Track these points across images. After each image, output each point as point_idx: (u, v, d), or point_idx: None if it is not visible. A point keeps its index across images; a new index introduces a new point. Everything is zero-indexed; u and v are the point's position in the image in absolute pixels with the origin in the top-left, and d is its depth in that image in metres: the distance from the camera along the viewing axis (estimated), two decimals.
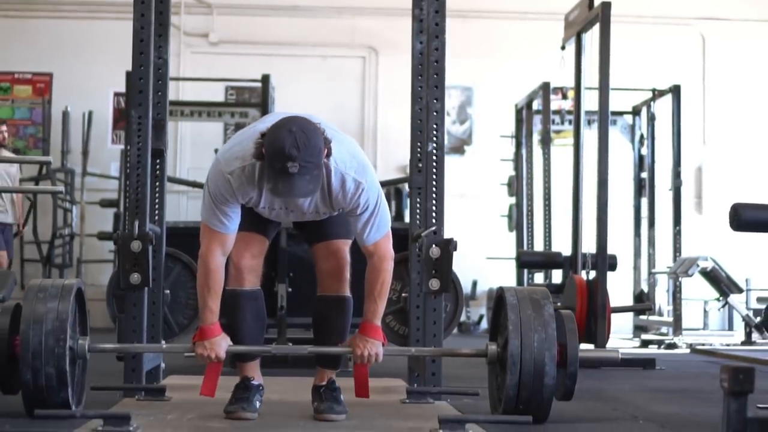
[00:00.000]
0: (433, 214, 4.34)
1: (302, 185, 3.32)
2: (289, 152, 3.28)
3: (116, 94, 11.16)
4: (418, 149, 4.45)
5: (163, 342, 4.82)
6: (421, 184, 4.41)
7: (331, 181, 3.52)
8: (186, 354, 6.66)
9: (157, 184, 4.60)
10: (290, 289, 6.02)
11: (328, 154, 3.44)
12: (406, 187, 9.48)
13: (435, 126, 4.37)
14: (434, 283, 4.17)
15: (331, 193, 3.55)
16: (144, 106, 4.36)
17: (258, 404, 3.67)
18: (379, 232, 3.61)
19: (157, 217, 4.60)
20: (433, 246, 4.18)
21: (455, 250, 4.18)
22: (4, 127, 9.06)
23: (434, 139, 4.37)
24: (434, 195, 4.37)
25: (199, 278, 3.63)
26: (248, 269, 3.72)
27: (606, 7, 6.93)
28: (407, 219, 6.31)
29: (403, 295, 5.23)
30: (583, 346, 7.10)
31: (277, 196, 3.40)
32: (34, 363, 3.40)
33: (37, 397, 3.43)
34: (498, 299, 3.69)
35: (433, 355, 4.22)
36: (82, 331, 3.71)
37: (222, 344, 3.59)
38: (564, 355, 3.54)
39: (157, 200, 4.61)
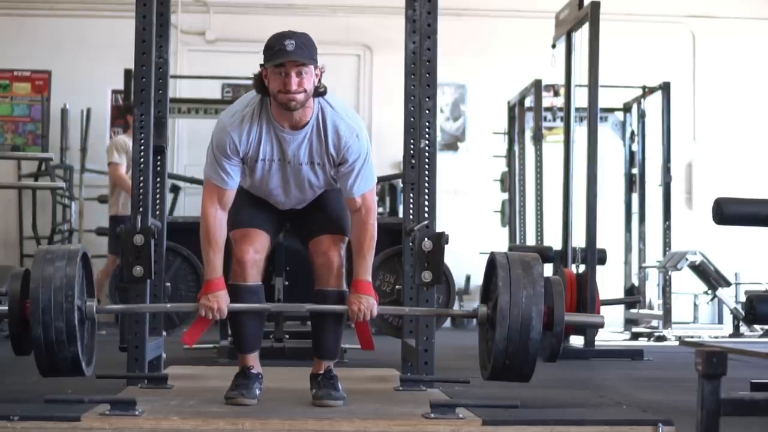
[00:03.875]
0: (426, 209, 4.48)
1: (298, 52, 3.63)
2: (288, 33, 3.67)
3: (114, 92, 11.26)
4: (411, 146, 4.59)
5: (164, 333, 4.96)
6: (414, 179, 4.55)
7: (326, 124, 3.76)
8: (185, 346, 6.79)
9: (158, 179, 4.74)
10: (287, 283, 6.14)
11: (324, 92, 3.76)
12: (400, 183, 9.61)
13: (427, 123, 4.51)
14: (426, 275, 4.29)
15: (327, 136, 3.75)
16: (146, 105, 4.49)
17: (257, 391, 3.80)
18: (367, 184, 3.83)
19: (157, 212, 4.75)
20: (426, 239, 4.31)
21: (447, 243, 4.31)
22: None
23: (426, 136, 4.51)
24: (426, 190, 4.50)
25: (200, 234, 3.81)
26: (251, 264, 3.84)
27: (595, 7, 7.06)
28: (401, 214, 6.44)
29: (396, 287, 5.37)
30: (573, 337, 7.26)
31: (276, 59, 3.63)
32: (44, 318, 3.54)
33: (47, 352, 3.56)
34: (489, 263, 3.84)
35: (425, 315, 4.33)
36: (89, 293, 3.84)
37: (225, 298, 3.76)
38: (551, 317, 3.71)
39: (158, 195, 4.75)
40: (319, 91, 3.77)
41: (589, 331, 6.81)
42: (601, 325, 4.20)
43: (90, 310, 3.77)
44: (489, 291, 3.88)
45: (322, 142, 3.77)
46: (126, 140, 8.43)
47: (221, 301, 3.76)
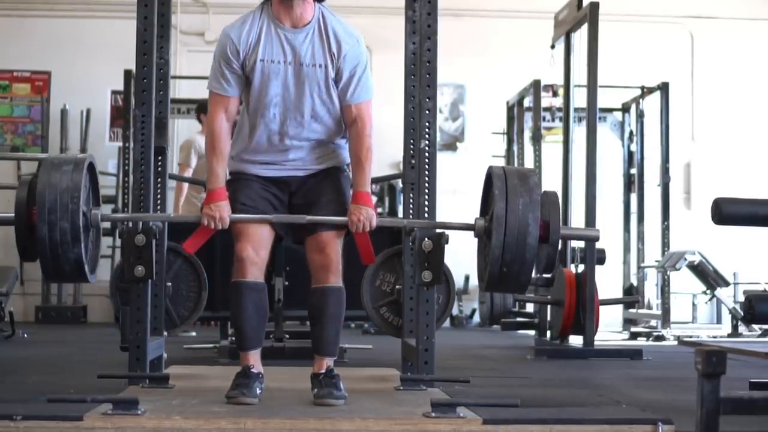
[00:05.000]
0: (426, 209, 4.49)
1: None
2: None
3: (114, 92, 11.27)
4: (411, 146, 4.61)
5: (165, 333, 4.97)
6: (414, 180, 4.56)
7: (327, 27, 3.86)
8: (185, 346, 6.79)
9: (159, 180, 4.76)
10: (287, 283, 6.16)
11: None
12: (399, 183, 9.62)
13: (427, 124, 4.52)
14: (426, 275, 4.30)
15: (328, 37, 3.86)
16: (147, 105, 4.51)
17: (258, 391, 3.80)
18: (365, 94, 3.92)
19: (159, 212, 4.76)
20: (426, 239, 4.31)
21: (447, 243, 4.32)
22: None
23: (426, 136, 4.52)
24: (426, 190, 4.52)
25: (206, 144, 3.92)
26: (251, 262, 3.86)
27: (594, 8, 7.09)
28: (400, 214, 6.45)
29: (396, 287, 5.38)
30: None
31: None
32: (50, 218, 3.57)
33: (52, 253, 3.60)
34: (487, 177, 3.86)
35: (423, 227, 4.33)
36: (95, 203, 3.86)
37: (227, 208, 3.83)
38: (547, 230, 3.73)
39: (158, 196, 4.77)
40: None
41: (588, 330, 6.82)
42: (597, 239, 4.22)
43: (95, 218, 3.80)
44: (486, 205, 3.89)
45: (323, 42, 3.86)
46: (201, 142, 8.42)
47: (223, 210, 3.82)
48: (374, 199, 10.81)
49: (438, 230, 4.37)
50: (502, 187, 3.68)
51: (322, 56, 3.85)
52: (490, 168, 3.84)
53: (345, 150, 4.01)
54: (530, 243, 3.61)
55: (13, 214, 3.73)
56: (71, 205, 3.58)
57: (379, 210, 10.91)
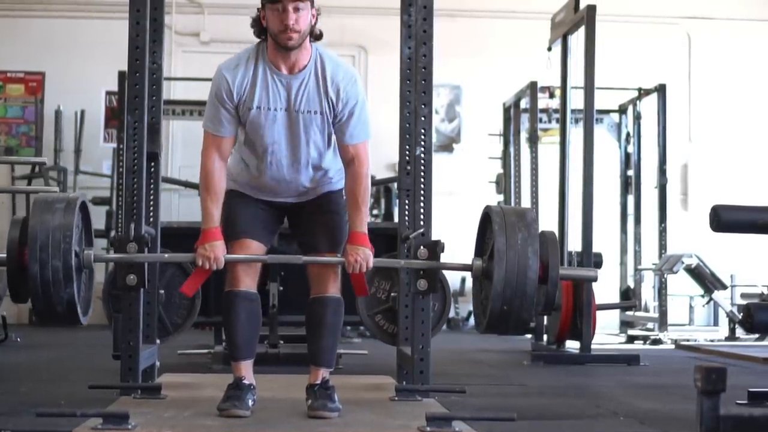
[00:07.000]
0: (422, 216, 4.44)
1: None
2: None
3: (108, 93, 11.21)
4: (407, 152, 4.55)
5: (158, 341, 4.92)
6: (409, 186, 4.51)
7: (325, 69, 3.82)
8: (179, 351, 6.73)
9: (152, 186, 4.70)
10: (281, 288, 6.11)
11: (320, 36, 3.85)
12: (395, 186, 9.57)
13: (423, 130, 4.47)
14: (422, 284, 4.25)
15: (325, 80, 3.81)
16: (140, 111, 4.45)
17: (250, 403, 3.76)
18: (363, 134, 3.88)
19: (151, 219, 4.71)
20: (421, 247, 4.26)
21: (442, 251, 4.27)
22: None
23: (422, 143, 4.47)
24: (422, 197, 4.46)
25: (200, 184, 3.86)
26: (244, 272, 3.83)
27: (591, 10, 7.04)
28: (396, 217, 6.40)
29: (392, 294, 5.34)
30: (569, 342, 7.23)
31: (274, 2, 3.73)
32: (41, 256, 3.53)
33: (44, 292, 3.55)
34: (484, 216, 3.85)
35: (421, 267, 4.27)
36: (87, 242, 3.82)
37: (222, 248, 3.78)
38: (546, 270, 3.72)
39: (151, 202, 4.71)
40: (316, 34, 3.83)
41: (585, 335, 6.78)
42: (595, 279, 4.20)
43: (88, 259, 3.76)
44: (483, 244, 3.88)
45: (320, 87, 3.82)
46: None
47: (218, 250, 3.77)
48: (370, 200, 10.86)
49: (434, 239, 4.33)
50: (501, 223, 3.67)
51: (319, 103, 3.81)
52: (488, 207, 3.84)
53: (341, 179, 3.98)
54: (530, 277, 3.60)
55: (5, 255, 3.68)
56: (63, 243, 3.55)
57: (375, 212, 10.86)
